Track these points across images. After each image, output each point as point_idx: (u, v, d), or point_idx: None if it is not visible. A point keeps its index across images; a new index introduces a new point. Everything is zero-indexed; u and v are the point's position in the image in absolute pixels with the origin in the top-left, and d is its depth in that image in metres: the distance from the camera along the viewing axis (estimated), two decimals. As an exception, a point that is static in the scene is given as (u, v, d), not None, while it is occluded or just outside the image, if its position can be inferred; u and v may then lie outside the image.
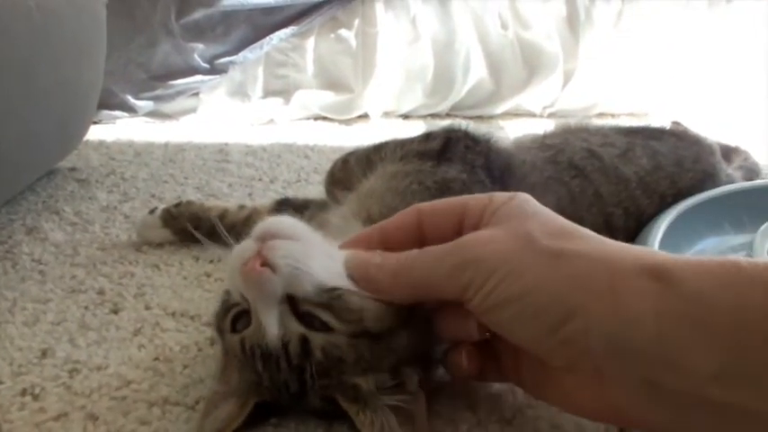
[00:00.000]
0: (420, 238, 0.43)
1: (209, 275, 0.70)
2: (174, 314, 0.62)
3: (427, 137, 0.67)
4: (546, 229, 0.37)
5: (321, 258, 0.44)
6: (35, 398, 0.50)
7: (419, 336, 0.45)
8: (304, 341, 0.41)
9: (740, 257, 0.32)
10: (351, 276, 0.43)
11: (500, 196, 0.41)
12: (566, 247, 0.35)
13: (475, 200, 0.42)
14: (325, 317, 0.42)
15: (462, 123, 0.67)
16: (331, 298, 0.42)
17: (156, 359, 0.54)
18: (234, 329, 0.45)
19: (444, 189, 0.57)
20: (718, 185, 0.78)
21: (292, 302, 0.42)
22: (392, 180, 0.59)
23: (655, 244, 0.62)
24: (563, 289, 0.34)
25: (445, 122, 1.44)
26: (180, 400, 0.49)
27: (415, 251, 0.41)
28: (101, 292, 0.66)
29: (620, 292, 0.32)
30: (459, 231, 0.41)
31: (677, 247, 0.68)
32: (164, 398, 0.49)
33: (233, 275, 0.43)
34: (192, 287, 0.67)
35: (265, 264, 0.41)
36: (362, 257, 0.43)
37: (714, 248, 0.70)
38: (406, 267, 0.41)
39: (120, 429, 0.46)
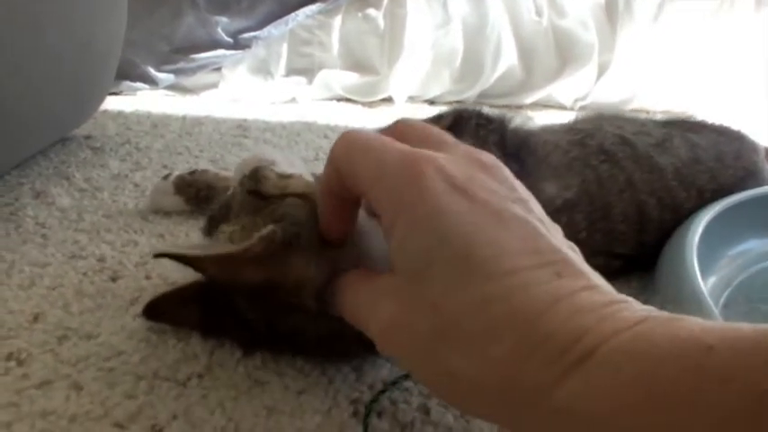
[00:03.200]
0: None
1: (214, 248, 0.67)
2: (173, 285, 0.58)
3: (438, 117, 0.65)
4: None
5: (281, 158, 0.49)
6: (20, 363, 0.47)
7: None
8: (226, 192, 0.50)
9: None
10: None
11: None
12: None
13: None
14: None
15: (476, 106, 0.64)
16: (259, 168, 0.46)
17: (150, 330, 0.51)
18: None
19: None
20: (761, 185, 0.73)
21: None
22: None
23: (694, 241, 0.57)
24: None
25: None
26: (170, 376, 0.46)
27: None
28: (101, 260, 0.64)
29: None
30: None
31: (715, 248, 0.63)
32: (153, 372, 0.46)
33: None
34: (196, 259, 0.64)
35: None
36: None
37: (755, 251, 0.65)
38: None
39: (104, 402, 0.43)
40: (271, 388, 0.45)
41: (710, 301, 0.44)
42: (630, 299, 0.28)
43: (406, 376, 0.46)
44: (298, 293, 0.40)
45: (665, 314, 0.26)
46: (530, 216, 0.31)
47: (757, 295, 0.60)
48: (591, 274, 0.29)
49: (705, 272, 0.57)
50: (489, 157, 0.34)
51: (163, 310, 0.49)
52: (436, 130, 0.36)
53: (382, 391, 0.45)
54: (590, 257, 0.53)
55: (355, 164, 0.33)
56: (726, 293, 0.60)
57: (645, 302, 0.28)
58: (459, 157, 0.32)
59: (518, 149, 0.58)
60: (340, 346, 0.44)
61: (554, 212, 0.57)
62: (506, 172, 0.34)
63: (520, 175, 0.56)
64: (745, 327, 0.22)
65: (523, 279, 0.27)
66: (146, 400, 0.43)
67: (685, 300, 0.48)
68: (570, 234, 0.56)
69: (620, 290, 0.29)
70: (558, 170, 0.58)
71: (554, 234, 0.31)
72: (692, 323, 0.24)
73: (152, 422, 0.41)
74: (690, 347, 0.23)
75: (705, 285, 0.58)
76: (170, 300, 0.49)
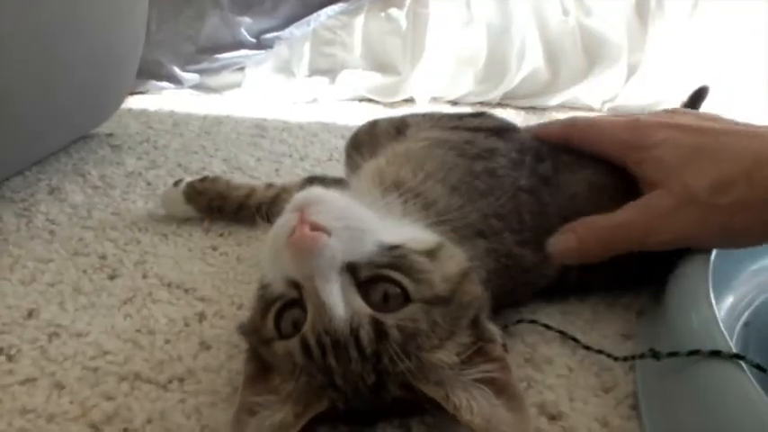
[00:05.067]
0: None
1: (215, 249, 0.66)
2: (169, 285, 0.59)
3: (481, 114, 0.64)
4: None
5: (371, 218, 0.41)
6: (9, 359, 0.48)
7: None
8: (376, 324, 0.36)
9: None
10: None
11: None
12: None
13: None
14: (395, 276, 0.38)
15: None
16: (395, 257, 0.39)
17: (138, 331, 0.51)
18: (281, 334, 0.38)
19: (489, 158, 0.52)
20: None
21: (353, 272, 0.37)
22: (437, 147, 0.54)
23: (708, 263, 0.53)
24: None
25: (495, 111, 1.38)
26: (152, 378, 0.45)
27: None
28: (103, 257, 0.64)
29: None
30: None
31: (733, 264, 0.58)
32: (135, 373, 0.46)
33: (276, 256, 0.38)
34: (195, 259, 0.64)
35: (316, 228, 0.37)
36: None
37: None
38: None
39: (84, 402, 0.43)
40: (250, 394, 0.44)
41: (724, 331, 0.41)
42: None
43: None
44: None
45: None
46: None
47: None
48: None
49: (722, 290, 0.53)
50: None
51: None
52: None
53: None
54: None
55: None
56: (747, 313, 0.56)
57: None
58: None
59: (550, 157, 0.57)
60: None
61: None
62: None
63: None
64: None
65: None
66: (124, 401, 0.43)
67: (697, 327, 0.44)
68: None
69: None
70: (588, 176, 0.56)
71: None
72: None
73: (126, 425, 0.41)
74: None
75: (723, 304, 0.54)
76: None
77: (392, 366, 0.36)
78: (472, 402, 0.36)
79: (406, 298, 0.38)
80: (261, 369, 0.40)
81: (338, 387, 0.36)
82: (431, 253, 0.41)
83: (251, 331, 0.42)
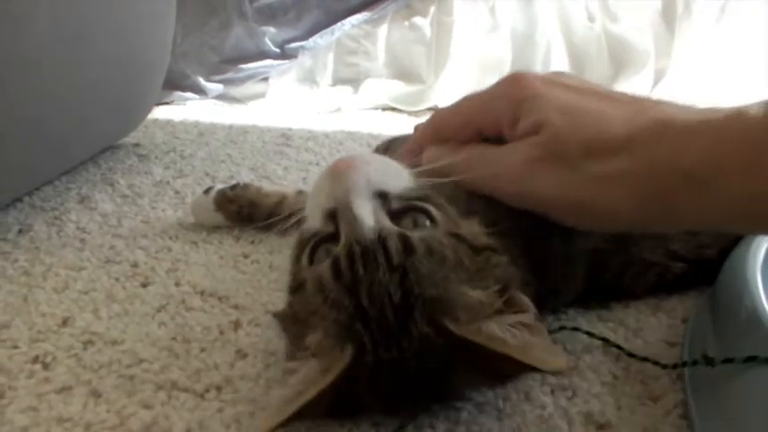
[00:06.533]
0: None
1: (246, 256, 0.66)
2: (202, 293, 0.58)
3: None
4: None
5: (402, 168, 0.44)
6: (45, 367, 0.47)
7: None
8: (404, 238, 0.38)
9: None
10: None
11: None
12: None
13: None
14: (424, 205, 0.41)
15: None
16: (424, 193, 0.42)
17: (174, 339, 0.50)
18: (312, 264, 0.40)
19: None
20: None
21: (384, 201, 0.40)
22: None
23: (758, 258, 0.51)
24: None
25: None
26: (189, 386, 0.45)
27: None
28: (134, 265, 0.64)
29: None
30: None
31: None
32: (172, 381, 0.45)
33: (316, 191, 0.42)
34: (227, 267, 0.63)
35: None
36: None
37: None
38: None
39: (120, 410, 0.42)
40: (288, 403, 0.43)
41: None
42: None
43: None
44: None
45: None
46: None
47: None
48: None
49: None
50: None
51: None
52: None
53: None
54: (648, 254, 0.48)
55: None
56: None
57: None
58: None
59: None
60: None
61: None
62: None
63: None
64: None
65: None
66: (161, 410, 0.42)
67: (750, 330, 0.43)
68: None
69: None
70: None
71: None
72: None
73: (165, 434, 0.40)
74: None
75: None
76: None
77: (419, 288, 0.36)
78: (514, 332, 0.37)
79: (430, 223, 0.40)
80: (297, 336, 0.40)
81: (364, 312, 0.36)
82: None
83: (285, 316, 0.43)
